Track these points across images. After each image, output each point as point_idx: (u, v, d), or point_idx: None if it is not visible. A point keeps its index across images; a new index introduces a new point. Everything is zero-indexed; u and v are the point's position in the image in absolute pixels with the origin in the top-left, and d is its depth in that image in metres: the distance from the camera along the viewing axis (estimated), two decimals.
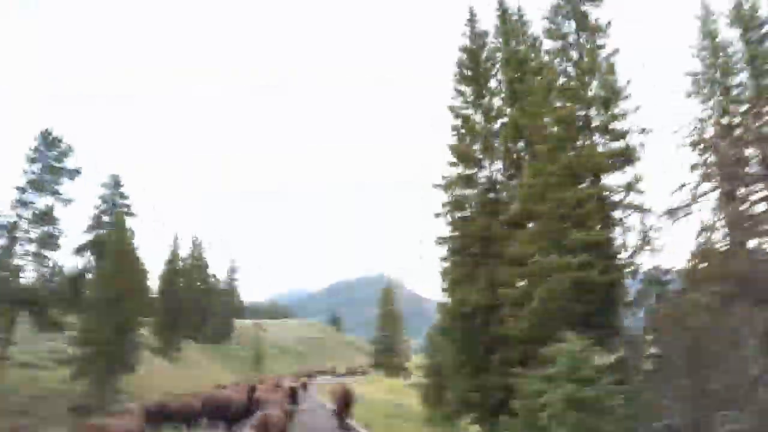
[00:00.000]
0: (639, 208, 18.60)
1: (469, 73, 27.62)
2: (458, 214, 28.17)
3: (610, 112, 19.72)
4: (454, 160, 27.31)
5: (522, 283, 22.39)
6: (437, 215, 28.65)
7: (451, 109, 27.69)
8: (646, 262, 18.06)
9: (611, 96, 19.69)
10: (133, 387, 38.51)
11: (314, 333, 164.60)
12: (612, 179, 19.76)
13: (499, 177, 28.51)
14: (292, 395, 22.88)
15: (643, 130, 19.20)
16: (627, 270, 17.81)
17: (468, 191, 27.90)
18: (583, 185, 19.55)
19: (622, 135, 19.58)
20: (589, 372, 13.07)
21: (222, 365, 74.40)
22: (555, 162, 19.45)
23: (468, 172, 27.66)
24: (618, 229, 19.28)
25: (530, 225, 23.66)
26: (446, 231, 28.96)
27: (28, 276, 30.99)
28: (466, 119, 27.28)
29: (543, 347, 17.03)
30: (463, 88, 27.55)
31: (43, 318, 30.30)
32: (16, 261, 29.59)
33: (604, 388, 12.90)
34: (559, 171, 19.20)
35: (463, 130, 27.44)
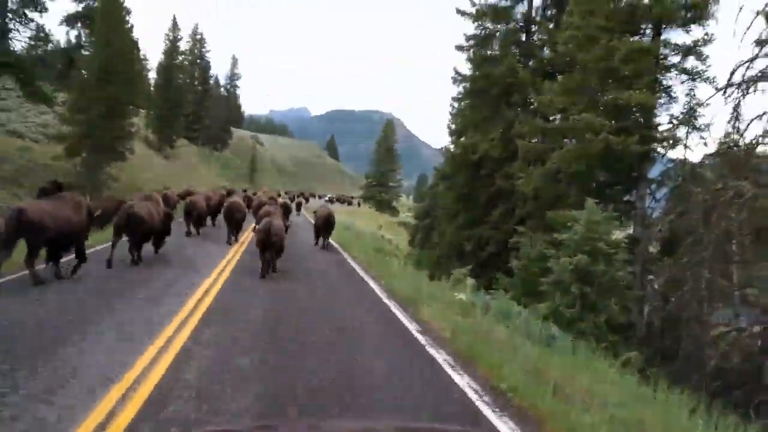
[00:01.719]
0: (696, 76, 16.25)
1: None
2: (483, 51, 25.53)
3: None
4: None
5: (538, 141, 20.82)
6: (459, 48, 25.96)
7: None
8: (684, 138, 16.27)
9: None
10: (125, 176, 38.30)
11: (309, 155, 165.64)
12: (674, 36, 17.21)
13: (538, 16, 25.49)
14: (285, 211, 22.98)
15: None
16: (664, 143, 16.07)
17: (499, 26, 24.98)
18: (639, 38, 17.02)
19: None
20: (602, 246, 12.07)
21: (216, 171, 74.77)
22: (611, 3, 16.72)
23: (503, 3, 24.57)
24: (663, 98, 17.19)
25: (560, 78, 21.59)
26: (466, 68, 26.58)
27: (18, 40, 28.41)
28: None
29: (550, 210, 16.05)
30: None
31: (30, 87, 28.30)
32: None
33: (616, 265, 12.01)
34: (614, 15, 16.48)
35: None
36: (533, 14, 24.98)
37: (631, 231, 16.56)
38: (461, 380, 5.99)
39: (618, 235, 16.08)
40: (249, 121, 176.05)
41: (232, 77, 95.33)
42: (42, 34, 28.27)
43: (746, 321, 11.61)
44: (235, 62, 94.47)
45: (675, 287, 12.70)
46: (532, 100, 23.98)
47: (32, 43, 28.56)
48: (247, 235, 18.04)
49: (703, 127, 15.70)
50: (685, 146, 16.10)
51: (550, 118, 20.67)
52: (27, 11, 27.55)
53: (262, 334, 7.24)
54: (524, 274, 15.05)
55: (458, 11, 24.94)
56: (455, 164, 25.23)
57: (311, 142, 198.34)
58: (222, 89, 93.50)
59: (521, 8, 24.91)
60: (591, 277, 11.81)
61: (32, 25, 27.93)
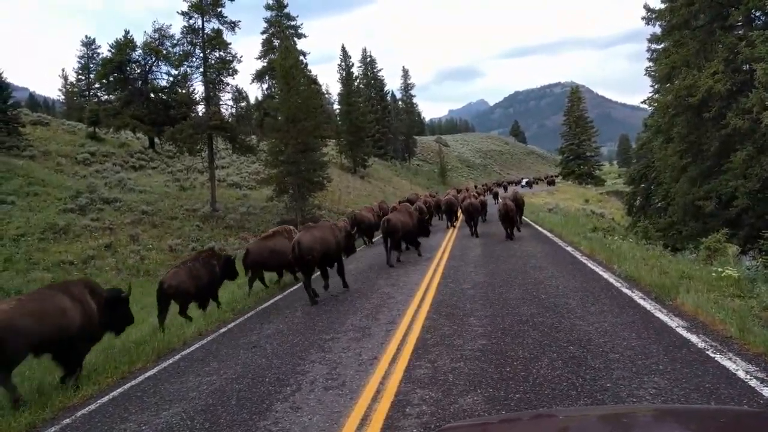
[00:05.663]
0: None
1: None
2: None
3: None
4: None
5: None
6: None
7: None
8: None
9: None
10: (329, 202, 40.98)
11: (495, 145, 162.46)
12: None
13: None
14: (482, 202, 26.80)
15: None
16: None
17: None
18: None
19: None
20: None
21: (409, 179, 76.86)
22: None
23: None
24: None
25: None
26: (657, 2, 22.76)
27: (221, 103, 32.27)
28: None
29: None
30: None
31: (237, 143, 31.77)
32: (199, 87, 30.56)
33: None
34: None
35: None
36: None
37: None
38: None
39: None
40: (430, 125, 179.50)
41: (406, 88, 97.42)
42: (238, 94, 31.76)
43: None
44: (406, 73, 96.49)
45: None
46: (758, 14, 19.37)
47: (233, 104, 32.27)
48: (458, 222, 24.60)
49: None
50: None
51: None
52: (222, 78, 31.05)
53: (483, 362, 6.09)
54: None
55: None
56: (669, 113, 21.40)
57: (494, 133, 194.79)
58: (399, 102, 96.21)
59: None
60: None
61: (229, 88, 31.49)
